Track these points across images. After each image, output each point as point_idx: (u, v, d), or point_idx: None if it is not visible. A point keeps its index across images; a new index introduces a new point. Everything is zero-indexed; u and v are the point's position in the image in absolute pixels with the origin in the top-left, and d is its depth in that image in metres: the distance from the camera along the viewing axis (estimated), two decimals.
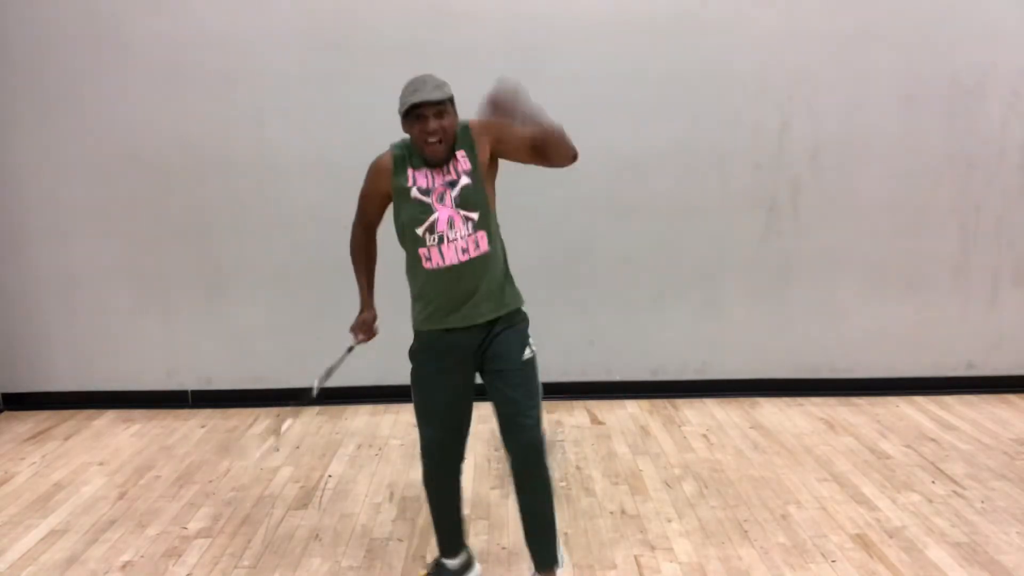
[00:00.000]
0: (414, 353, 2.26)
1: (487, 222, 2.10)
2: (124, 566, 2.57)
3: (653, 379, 4.09)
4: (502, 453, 3.35)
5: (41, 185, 3.78)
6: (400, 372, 4.54)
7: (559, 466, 3.24)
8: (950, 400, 3.99)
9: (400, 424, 3.78)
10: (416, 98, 1.99)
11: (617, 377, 4.09)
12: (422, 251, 2.09)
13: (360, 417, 3.88)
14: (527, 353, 2.18)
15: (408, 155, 2.14)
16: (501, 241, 2.21)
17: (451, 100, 2.07)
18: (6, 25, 3.61)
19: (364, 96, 3.69)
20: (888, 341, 4.05)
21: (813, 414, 3.84)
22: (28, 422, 3.86)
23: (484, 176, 2.11)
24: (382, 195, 2.20)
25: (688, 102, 3.76)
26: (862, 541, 2.66)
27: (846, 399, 4.02)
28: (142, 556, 2.63)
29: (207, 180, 3.79)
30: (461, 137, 2.12)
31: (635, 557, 2.58)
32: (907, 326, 4.04)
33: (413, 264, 2.16)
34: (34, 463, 3.38)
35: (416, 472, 2.96)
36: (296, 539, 2.73)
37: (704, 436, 3.58)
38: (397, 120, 4.22)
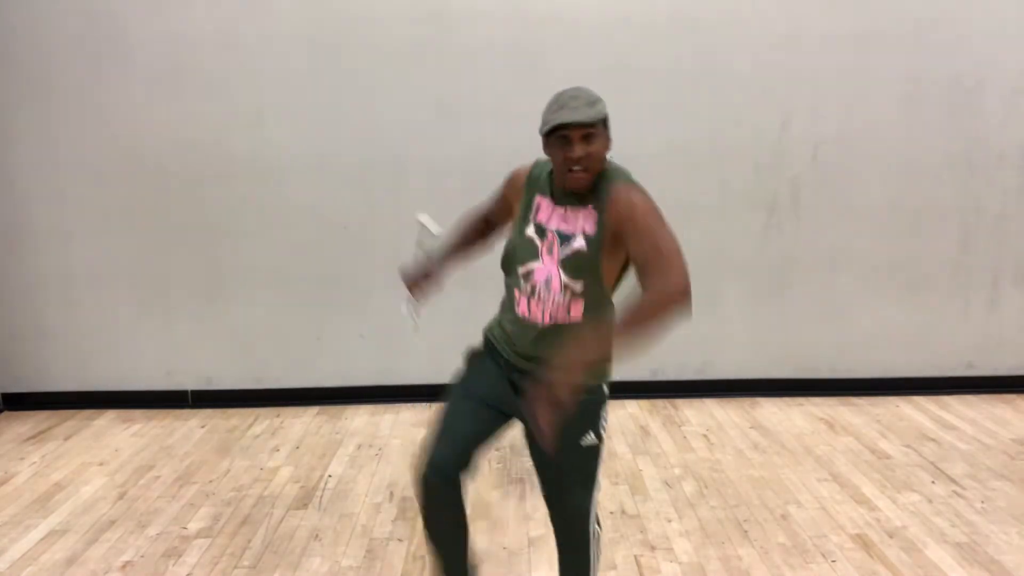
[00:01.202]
0: (468, 354, 1.99)
1: (590, 293, 1.76)
2: (124, 566, 2.57)
3: (653, 379, 4.09)
4: (502, 453, 3.36)
5: (41, 185, 3.77)
6: (400, 372, 4.49)
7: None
8: (950, 400, 3.99)
9: (400, 424, 3.78)
10: (560, 118, 1.64)
11: (617, 377, 4.08)
12: (515, 291, 1.84)
13: (360, 417, 3.88)
14: (589, 439, 1.81)
15: (544, 177, 1.84)
16: (611, 314, 1.83)
17: (604, 121, 1.71)
18: (7, 25, 3.61)
19: (364, 96, 3.70)
20: (888, 341, 4.05)
21: (813, 414, 3.84)
22: (28, 422, 3.85)
23: (605, 248, 1.73)
24: (509, 204, 1.94)
25: (688, 102, 3.76)
26: (862, 541, 2.66)
27: (846, 399, 4.02)
28: (142, 556, 2.63)
29: (207, 180, 3.78)
30: (606, 184, 1.73)
31: (635, 557, 2.58)
32: (907, 326, 4.04)
33: (507, 291, 1.90)
34: (34, 463, 3.38)
35: None
36: (296, 539, 2.73)
37: (704, 436, 3.58)
38: (398, 120, 4.17)
